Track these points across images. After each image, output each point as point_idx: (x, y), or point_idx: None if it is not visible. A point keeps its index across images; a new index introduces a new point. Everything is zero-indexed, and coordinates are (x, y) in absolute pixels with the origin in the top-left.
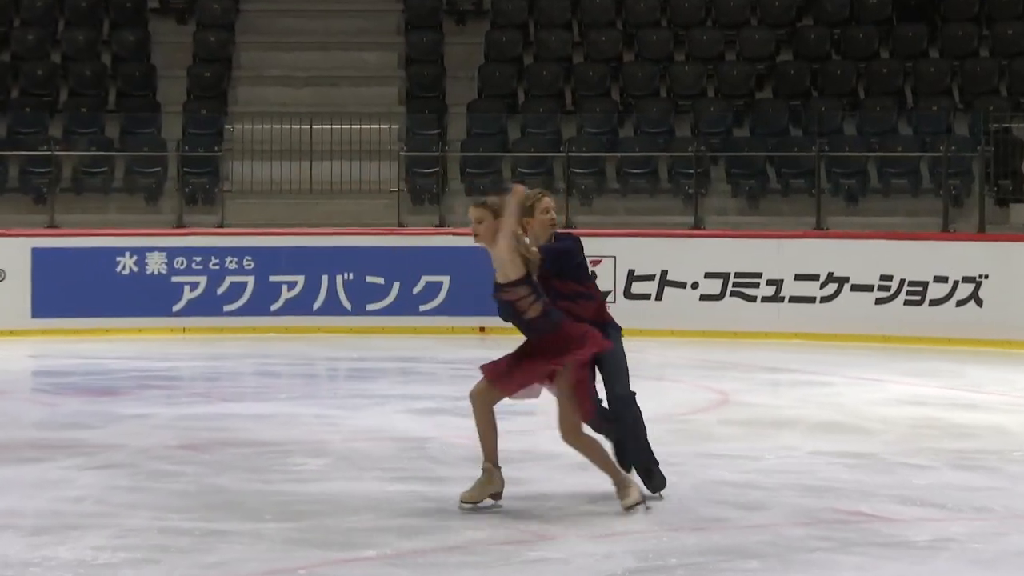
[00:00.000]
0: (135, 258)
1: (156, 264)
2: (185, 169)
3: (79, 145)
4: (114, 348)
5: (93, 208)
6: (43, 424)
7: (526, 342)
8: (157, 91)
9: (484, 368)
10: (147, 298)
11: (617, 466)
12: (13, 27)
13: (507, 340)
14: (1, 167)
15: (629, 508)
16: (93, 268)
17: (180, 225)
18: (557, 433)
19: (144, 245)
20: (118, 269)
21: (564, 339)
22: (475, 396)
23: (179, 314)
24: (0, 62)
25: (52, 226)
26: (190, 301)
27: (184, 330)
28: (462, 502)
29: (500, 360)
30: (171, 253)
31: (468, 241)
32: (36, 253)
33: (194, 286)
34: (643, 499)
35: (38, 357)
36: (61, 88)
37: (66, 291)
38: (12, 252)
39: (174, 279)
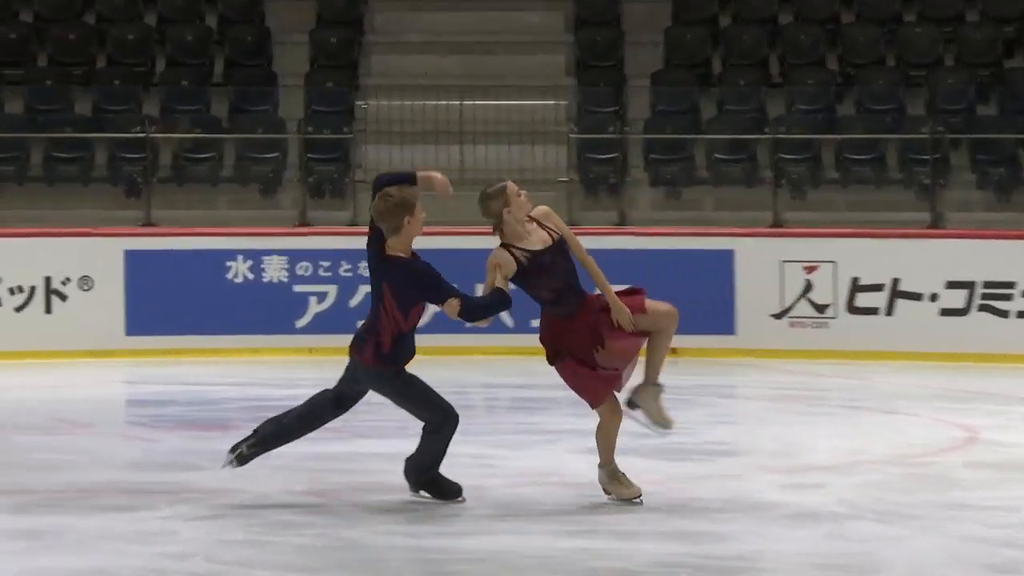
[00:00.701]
0: (249, 263)
1: (275, 270)
2: (309, 155)
3: (180, 126)
4: (224, 372)
5: (198, 202)
6: (139, 464)
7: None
8: (273, 60)
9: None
10: (264, 311)
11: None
12: None
13: (700, 363)
14: (86, 152)
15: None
16: (198, 275)
17: (303, 223)
18: (767, 476)
19: (260, 247)
20: (229, 276)
21: None
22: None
23: (303, 331)
24: (83, 25)
25: (148, 224)
26: (316, 315)
27: (310, 350)
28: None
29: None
30: (293, 257)
31: (654, 242)
32: (130, 257)
33: (321, 297)
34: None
35: (133, 383)
36: (157, 57)
37: (166, 303)
38: (101, 255)
39: (297, 288)
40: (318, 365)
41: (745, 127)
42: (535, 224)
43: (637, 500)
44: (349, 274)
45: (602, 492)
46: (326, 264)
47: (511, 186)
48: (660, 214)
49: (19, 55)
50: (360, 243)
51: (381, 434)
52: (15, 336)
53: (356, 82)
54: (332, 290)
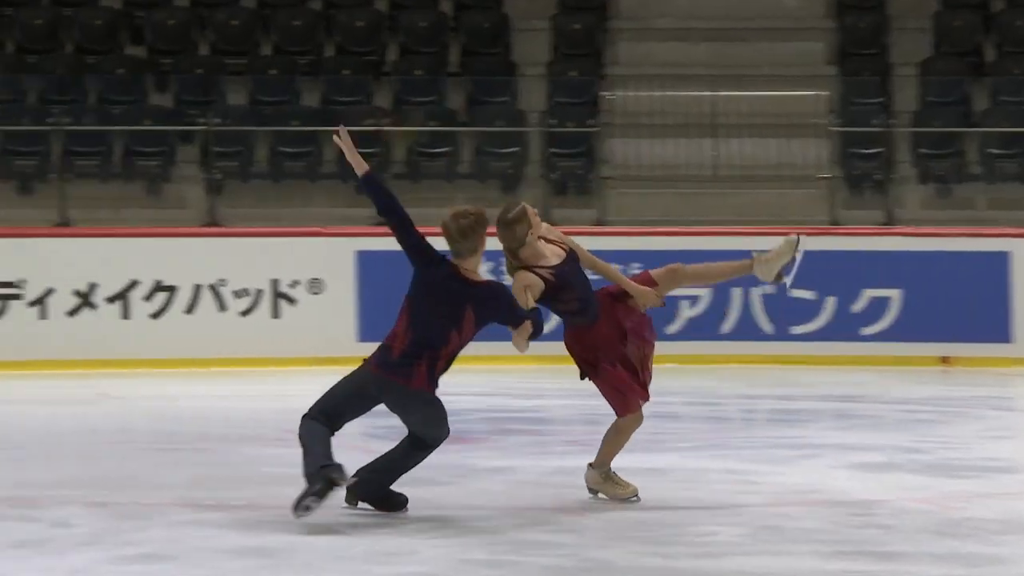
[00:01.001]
0: (492, 265)
1: None
2: (551, 149)
3: (413, 119)
4: (466, 381)
5: (433, 199)
6: None
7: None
8: (513, 48)
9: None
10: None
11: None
12: None
13: (974, 373)
14: (314, 147)
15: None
16: None
17: (546, 221)
18: None
19: (499, 247)
20: None
21: None
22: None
23: (550, 338)
24: (310, 11)
25: (381, 223)
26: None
27: (557, 359)
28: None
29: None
30: None
31: (923, 243)
32: (362, 258)
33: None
34: None
35: None
36: (389, 45)
37: (398, 306)
38: (332, 256)
39: None
40: (564, 374)
41: (1021, 119)
42: (542, 240)
43: (634, 499)
44: (594, 277)
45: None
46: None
47: (528, 207)
48: (929, 213)
49: (242, 43)
50: (606, 243)
51: (630, 448)
52: (240, 342)
53: (601, 71)
54: None
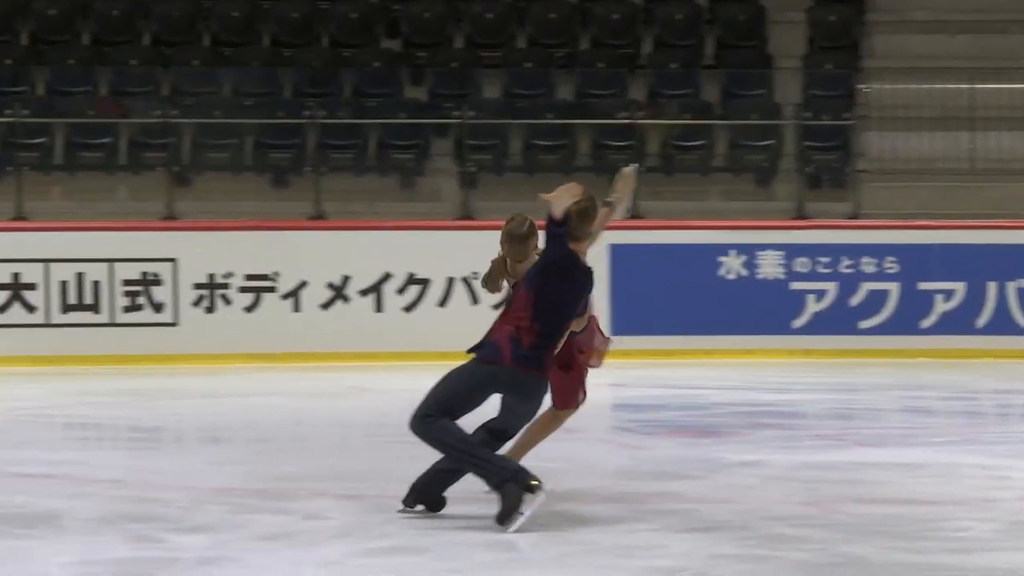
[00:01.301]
0: (743, 258)
1: (770, 266)
2: (806, 142)
3: (668, 111)
4: (716, 375)
5: (688, 193)
6: (626, 472)
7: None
8: (768, 41)
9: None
10: (759, 310)
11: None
12: None
13: None
14: (568, 139)
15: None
16: (689, 271)
17: (800, 215)
18: None
19: (754, 241)
20: (721, 272)
21: None
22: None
23: (800, 331)
24: (565, 4)
25: (635, 216)
26: (815, 315)
27: (807, 352)
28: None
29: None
30: (790, 252)
31: None
32: (615, 252)
33: (820, 295)
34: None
35: (619, 386)
36: (644, 37)
37: (655, 300)
38: None
39: (794, 286)
40: (815, 368)
41: None
42: None
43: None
44: (850, 271)
45: None
46: (825, 260)
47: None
48: None
49: (498, 36)
50: (862, 237)
51: (883, 442)
52: None
53: (858, 64)
54: (831, 288)
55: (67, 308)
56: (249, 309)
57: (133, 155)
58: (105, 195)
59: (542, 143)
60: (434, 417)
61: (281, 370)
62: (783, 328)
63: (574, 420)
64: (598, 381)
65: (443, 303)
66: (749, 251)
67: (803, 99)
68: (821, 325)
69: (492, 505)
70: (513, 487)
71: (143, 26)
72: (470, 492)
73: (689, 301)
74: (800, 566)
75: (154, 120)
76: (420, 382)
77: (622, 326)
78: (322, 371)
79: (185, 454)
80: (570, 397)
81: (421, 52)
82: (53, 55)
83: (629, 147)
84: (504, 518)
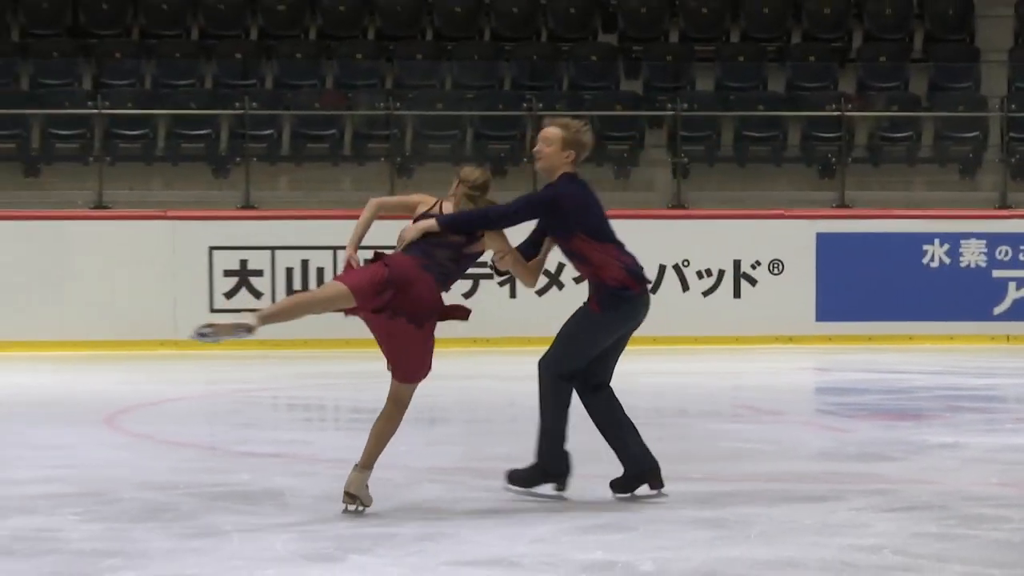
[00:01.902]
0: (946, 247)
1: (973, 254)
2: (1011, 134)
3: (876, 104)
4: (918, 360)
5: (893, 183)
6: (830, 454)
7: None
8: (976, 34)
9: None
10: (961, 297)
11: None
12: None
13: None
14: (779, 130)
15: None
16: (893, 259)
17: (1003, 205)
18: None
19: (958, 230)
20: (925, 260)
21: None
22: None
23: (1001, 318)
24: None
25: (842, 205)
26: (1015, 302)
27: (1008, 338)
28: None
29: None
30: (992, 241)
31: None
32: (822, 239)
33: (1021, 282)
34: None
35: (824, 370)
36: (854, 31)
37: (859, 287)
38: (792, 238)
39: (996, 274)
40: (1015, 354)
41: None
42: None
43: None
44: None
45: None
46: None
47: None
48: None
49: (712, 31)
50: None
51: None
52: (701, 321)
53: None
54: None
55: (292, 294)
56: (467, 295)
57: (357, 146)
58: (330, 185)
59: (753, 134)
60: (590, 391)
61: (498, 354)
62: (984, 315)
63: (780, 403)
64: (802, 366)
65: (655, 289)
66: (953, 240)
67: (1009, 92)
68: (1022, 312)
69: (699, 484)
70: (642, 476)
71: (368, 21)
72: (680, 472)
73: (893, 288)
74: (999, 545)
75: (378, 112)
76: (630, 366)
77: (827, 313)
78: (536, 356)
79: (403, 435)
80: (419, 367)
81: (637, 46)
82: (281, 50)
83: (838, 138)
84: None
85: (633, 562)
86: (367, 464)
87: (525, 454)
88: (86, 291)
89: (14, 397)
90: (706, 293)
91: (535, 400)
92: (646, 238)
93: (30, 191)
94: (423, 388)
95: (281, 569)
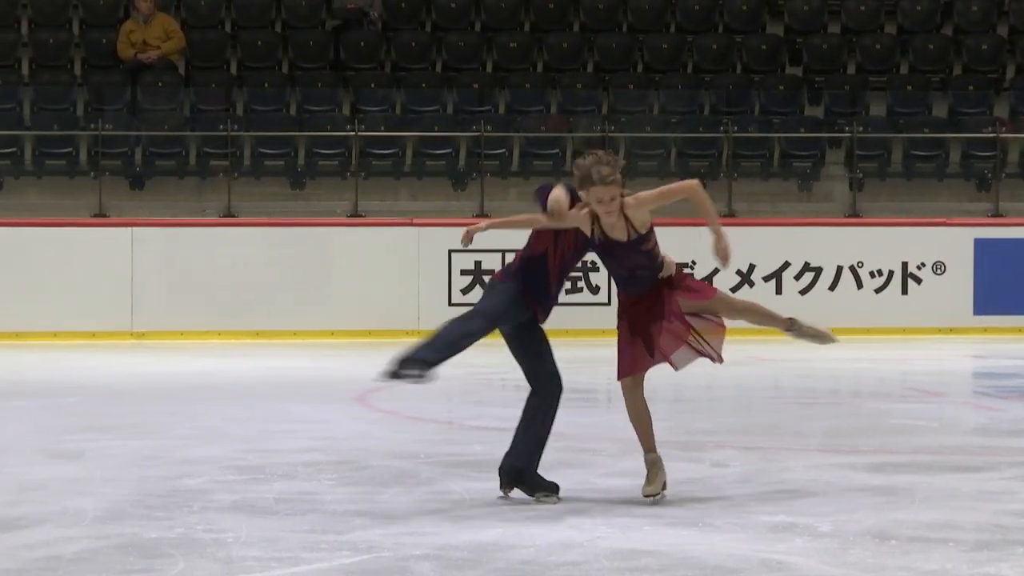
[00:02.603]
0: None
1: None
2: None
3: (1020, 126)
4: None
5: None
6: (984, 430)
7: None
8: None
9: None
10: None
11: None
12: None
13: None
14: (941, 151)
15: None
16: None
17: None
18: None
19: None
20: None
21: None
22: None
23: None
24: (942, 36)
25: (996, 215)
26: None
27: None
28: (645, 496)
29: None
30: None
31: None
32: (979, 244)
33: None
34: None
35: (980, 357)
36: (1008, 64)
37: (1012, 285)
38: (953, 242)
39: None
40: None
41: None
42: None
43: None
44: None
45: None
46: None
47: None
48: None
49: (884, 64)
50: None
51: None
52: (874, 314)
53: None
54: None
55: None
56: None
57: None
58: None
59: (919, 153)
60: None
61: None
62: None
63: (942, 385)
64: (961, 353)
65: (832, 287)
66: None
67: None
68: None
69: (870, 455)
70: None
71: (588, 56)
72: (854, 445)
73: None
74: None
75: (595, 134)
76: (809, 353)
77: (983, 307)
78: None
79: (612, 412)
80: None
81: (819, 77)
82: (512, 81)
83: (993, 157)
84: None
85: (813, 524)
86: (649, 447)
87: (718, 428)
88: (344, 288)
89: (280, 379)
90: (878, 290)
91: (729, 380)
92: (826, 243)
93: (296, 202)
94: None
95: (506, 529)
